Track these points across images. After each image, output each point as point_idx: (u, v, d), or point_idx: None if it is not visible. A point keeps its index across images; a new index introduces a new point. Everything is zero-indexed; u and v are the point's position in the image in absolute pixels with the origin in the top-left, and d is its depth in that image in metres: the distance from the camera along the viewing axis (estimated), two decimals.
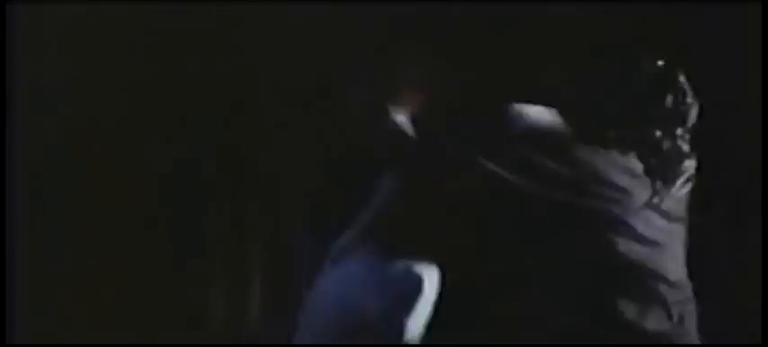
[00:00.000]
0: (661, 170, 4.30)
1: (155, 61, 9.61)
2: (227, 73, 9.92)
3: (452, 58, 7.99)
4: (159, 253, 9.30)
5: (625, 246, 4.14)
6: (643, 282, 4.22)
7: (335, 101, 7.72)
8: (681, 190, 4.46)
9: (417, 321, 4.31)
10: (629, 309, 4.11)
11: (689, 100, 4.60)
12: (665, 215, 4.36)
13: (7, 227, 7.68)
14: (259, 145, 9.77)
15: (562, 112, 4.39)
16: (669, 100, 4.48)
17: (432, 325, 4.45)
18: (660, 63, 4.87)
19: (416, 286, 4.27)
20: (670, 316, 4.29)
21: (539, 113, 4.25)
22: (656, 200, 4.25)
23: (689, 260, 9.28)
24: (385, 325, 4.25)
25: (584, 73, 4.96)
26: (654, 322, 4.21)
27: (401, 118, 4.58)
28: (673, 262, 4.42)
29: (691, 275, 8.66)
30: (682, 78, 4.84)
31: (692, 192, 5.60)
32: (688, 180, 4.51)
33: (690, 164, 4.53)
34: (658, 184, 4.27)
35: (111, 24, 9.40)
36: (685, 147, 4.47)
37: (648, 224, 4.23)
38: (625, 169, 4.20)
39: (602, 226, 4.08)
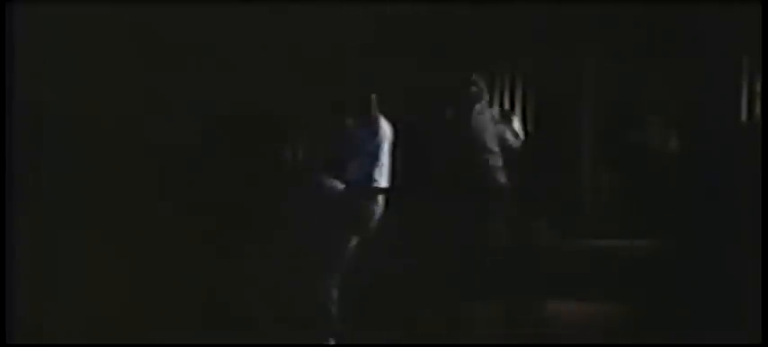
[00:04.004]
0: None
1: (154, 60, 9.61)
2: (225, 73, 9.93)
3: None
4: (159, 252, 9.30)
5: None
6: None
7: None
8: None
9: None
10: None
11: None
12: None
13: (7, 227, 7.67)
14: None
15: None
16: None
17: None
18: None
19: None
20: None
21: None
22: None
23: (688, 260, 9.32)
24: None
25: None
26: None
27: None
28: None
29: (691, 276, 8.73)
30: None
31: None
32: None
33: None
34: None
35: (110, 24, 9.41)
36: None
37: None
38: None
39: None
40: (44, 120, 9.20)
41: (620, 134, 10.48)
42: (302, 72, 9.83)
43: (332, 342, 7.35)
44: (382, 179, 7.51)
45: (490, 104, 10.46)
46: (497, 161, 8.40)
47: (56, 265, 8.74)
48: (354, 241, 7.42)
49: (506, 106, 10.58)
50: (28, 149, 8.83)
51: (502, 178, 8.40)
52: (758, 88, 9.57)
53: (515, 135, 8.90)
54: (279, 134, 9.72)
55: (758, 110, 9.59)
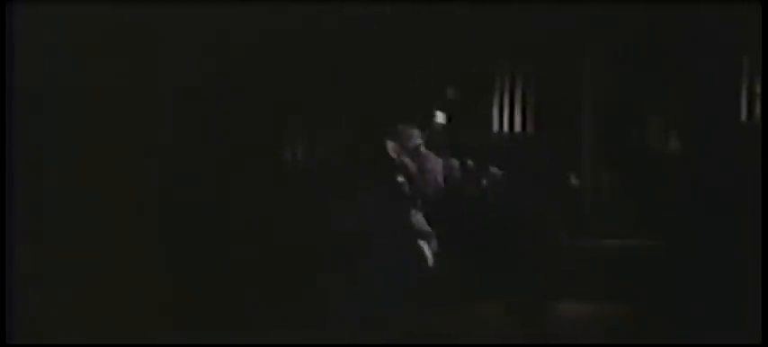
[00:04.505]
0: None
1: (154, 61, 9.61)
2: (226, 74, 9.93)
3: None
4: (159, 252, 9.30)
5: None
6: None
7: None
8: None
9: None
10: None
11: None
12: None
13: (7, 227, 7.66)
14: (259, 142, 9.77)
15: None
16: None
17: None
18: None
19: None
20: None
21: None
22: None
23: (688, 260, 9.32)
24: None
25: None
26: None
27: None
28: None
29: (692, 276, 8.70)
30: None
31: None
32: None
33: None
34: None
35: (110, 25, 9.40)
36: None
37: None
38: None
39: None
40: (44, 119, 9.19)
41: (620, 134, 10.47)
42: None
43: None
44: None
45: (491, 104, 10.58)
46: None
47: (56, 265, 8.73)
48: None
49: (506, 106, 10.60)
50: (28, 149, 8.81)
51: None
52: (758, 88, 9.58)
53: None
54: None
55: (758, 110, 9.60)
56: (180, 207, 9.53)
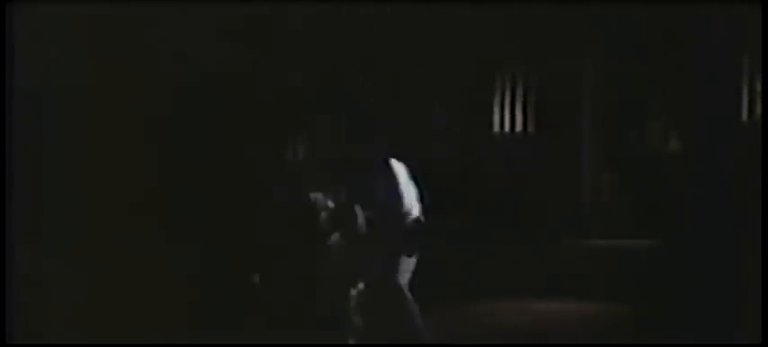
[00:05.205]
0: None
1: (154, 61, 9.63)
2: (226, 74, 9.94)
3: None
4: (159, 252, 9.31)
5: None
6: None
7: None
8: None
9: None
10: None
11: None
12: None
13: (7, 227, 7.66)
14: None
15: None
16: None
17: None
18: None
19: None
20: None
21: None
22: None
23: (688, 260, 9.31)
24: None
25: None
26: None
27: None
28: None
29: (692, 276, 8.65)
30: None
31: None
32: None
33: None
34: None
35: (109, 25, 9.42)
36: None
37: None
38: None
39: None
40: (44, 119, 9.20)
41: (621, 134, 10.48)
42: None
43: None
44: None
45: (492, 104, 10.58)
46: None
47: (56, 265, 8.74)
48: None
49: (507, 106, 10.61)
50: (28, 149, 8.83)
51: None
52: (758, 88, 9.58)
53: None
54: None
55: (758, 110, 9.60)
56: (180, 207, 9.54)
